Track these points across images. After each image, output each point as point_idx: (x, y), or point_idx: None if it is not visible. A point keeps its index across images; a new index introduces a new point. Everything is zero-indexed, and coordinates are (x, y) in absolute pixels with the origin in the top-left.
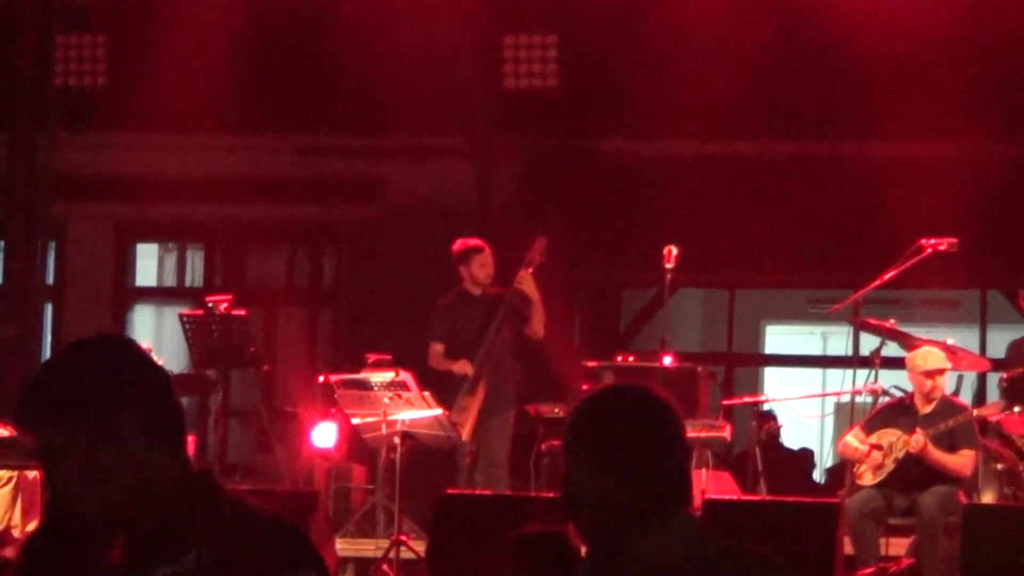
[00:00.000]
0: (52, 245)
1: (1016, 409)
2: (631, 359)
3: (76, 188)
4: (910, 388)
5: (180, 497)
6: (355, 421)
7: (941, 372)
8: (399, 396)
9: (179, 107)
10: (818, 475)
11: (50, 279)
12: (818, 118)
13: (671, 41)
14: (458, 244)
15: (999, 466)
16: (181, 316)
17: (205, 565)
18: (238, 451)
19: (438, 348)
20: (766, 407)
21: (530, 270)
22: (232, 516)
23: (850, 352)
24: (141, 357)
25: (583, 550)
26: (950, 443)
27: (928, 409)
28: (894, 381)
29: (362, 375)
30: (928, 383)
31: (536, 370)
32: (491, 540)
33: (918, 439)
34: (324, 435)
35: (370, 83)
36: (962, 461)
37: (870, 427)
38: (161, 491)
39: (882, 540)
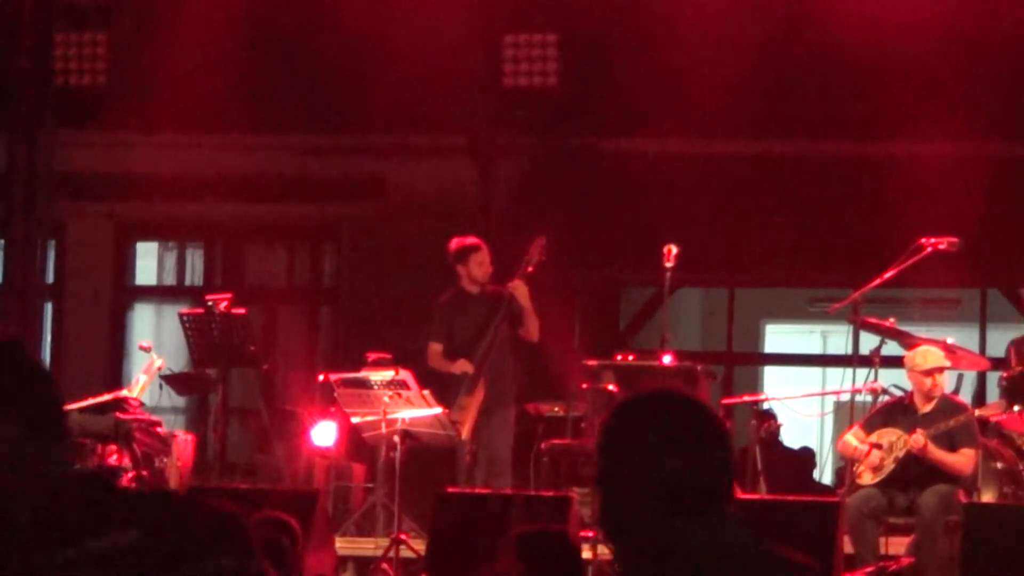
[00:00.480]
0: (52, 244)
1: (1016, 408)
2: (631, 358)
3: (76, 187)
4: (910, 387)
5: (71, 490)
6: (355, 420)
7: (940, 370)
8: (399, 395)
9: (179, 106)
10: (821, 475)
11: (50, 278)
12: (818, 118)
13: (671, 40)
14: (454, 243)
15: (999, 465)
16: (181, 315)
17: (113, 550)
18: (238, 450)
19: (437, 348)
20: (766, 406)
21: (529, 269)
22: (150, 506)
23: (850, 351)
24: (22, 358)
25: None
26: (950, 442)
27: (928, 408)
28: (894, 380)
29: (362, 374)
30: (928, 381)
31: (536, 369)
32: (491, 539)
33: (918, 438)
34: (324, 434)
35: (370, 82)
36: (963, 460)
37: (870, 426)
38: (45, 487)
39: (882, 539)
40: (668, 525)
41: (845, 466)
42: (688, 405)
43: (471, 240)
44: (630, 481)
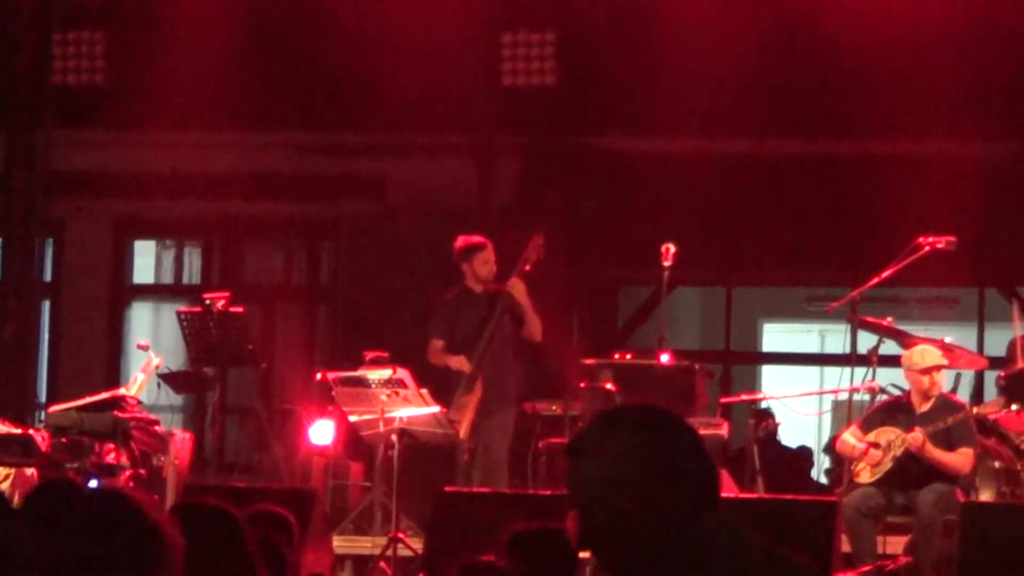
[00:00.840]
0: (50, 242)
1: (1014, 407)
2: (629, 357)
3: (74, 185)
4: (907, 386)
5: None
6: (353, 418)
7: (938, 369)
8: (397, 393)
9: (177, 104)
10: (816, 473)
11: (48, 276)
12: (817, 116)
13: (669, 38)
14: (460, 241)
15: (997, 464)
16: (179, 313)
17: None
18: (236, 448)
19: (438, 344)
20: (764, 405)
21: (527, 268)
22: None
23: (848, 350)
24: None
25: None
26: (948, 441)
27: (926, 407)
28: (891, 379)
29: (360, 372)
30: (925, 380)
31: (534, 368)
32: (489, 537)
33: (916, 437)
34: (322, 432)
35: (369, 81)
36: (960, 459)
37: (867, 425)
38: None
39: (879, 538)
40: (663, 529)
41: (843, 465)
42: (667, 414)
43: (477, 239)
44: (622, 489)
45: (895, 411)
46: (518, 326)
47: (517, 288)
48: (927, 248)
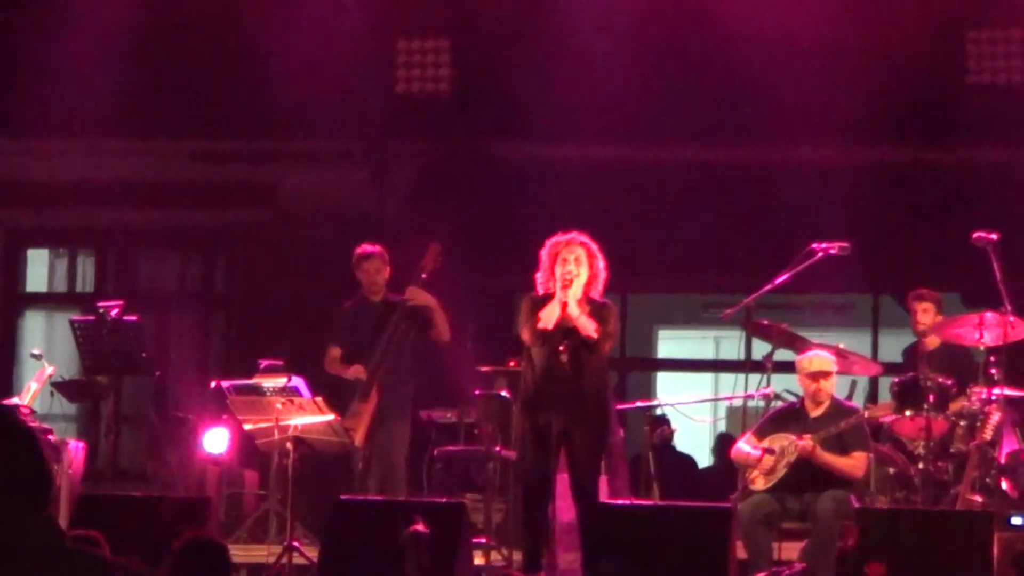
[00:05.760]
0: None
1: (907, 413)
2: None
3: None
4: (802, 392)
5: None
6: (247, 427)
7: (827, 375)
8: (291, 402)
9: (71, 112)
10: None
11: None
12: (711, 122)
13: (564, 45)
14: (357, 250)
15: (891, 470)
16: (72, 322)
17: None
18: (130, 457)
19: (335, 352)
20: (659, 412)
21: (424, 276)
22: None
23: (742, 356)
24: None
25: None
26: (841, 445)
27: (818, 412)
28: (786, 385)
29: (254, 380)
30: (812, 386)
31: (430, 375)
32: (383, 545)
33: (807, 443)
34: (216, 441)
35: (264, 87)
36: (853, 463)
37: (762, 432)
38: None
39: (775, 544)
40: None
41: (738, 472)
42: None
43: (363, 249)
44: None
45: (789, 417)
46: (423, 333)
47: (419, 297)
48: (821, 254)
